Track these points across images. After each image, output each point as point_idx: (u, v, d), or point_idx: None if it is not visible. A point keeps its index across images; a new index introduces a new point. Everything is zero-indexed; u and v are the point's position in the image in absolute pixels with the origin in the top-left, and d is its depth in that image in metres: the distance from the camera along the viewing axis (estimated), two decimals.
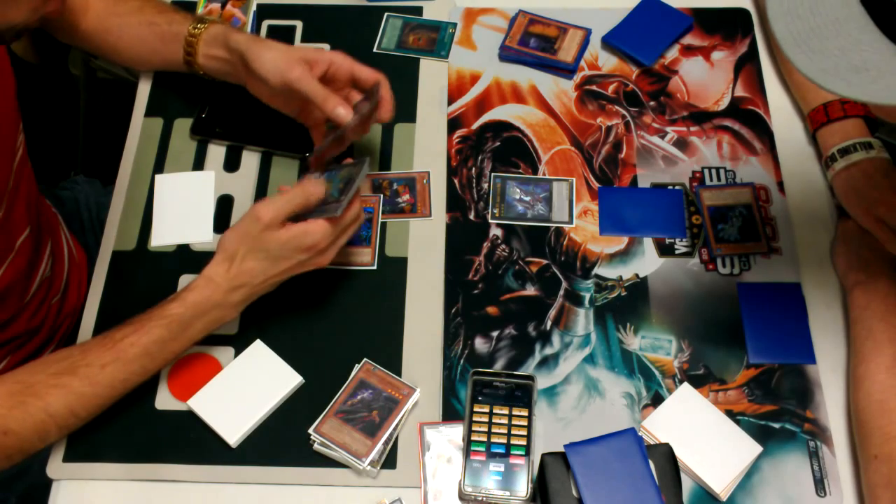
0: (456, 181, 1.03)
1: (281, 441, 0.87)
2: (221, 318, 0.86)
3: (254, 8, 1.14)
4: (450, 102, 1.09)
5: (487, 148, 1.05)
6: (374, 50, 1.13)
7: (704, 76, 1.10)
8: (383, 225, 0.99)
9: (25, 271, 0.96)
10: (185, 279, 0.96)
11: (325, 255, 0.86)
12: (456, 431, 0.86)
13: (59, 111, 1.86)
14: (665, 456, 0.81)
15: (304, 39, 1.15)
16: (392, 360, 0.91)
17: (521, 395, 0.86)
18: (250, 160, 1.05)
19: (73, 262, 1.09)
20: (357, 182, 0.84)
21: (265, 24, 1.16)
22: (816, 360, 0.90)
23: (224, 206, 1.02)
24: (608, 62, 1.12)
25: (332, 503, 0.84)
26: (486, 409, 0.86)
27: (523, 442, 0.84)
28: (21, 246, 0.94)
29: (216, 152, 1.05)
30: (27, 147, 0.97)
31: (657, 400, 0.88)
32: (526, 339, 0.92)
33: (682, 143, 1.05)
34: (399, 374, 0.90)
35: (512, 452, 0.84)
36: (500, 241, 0.99)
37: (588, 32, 1.12)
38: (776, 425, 0.87)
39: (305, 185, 0.84)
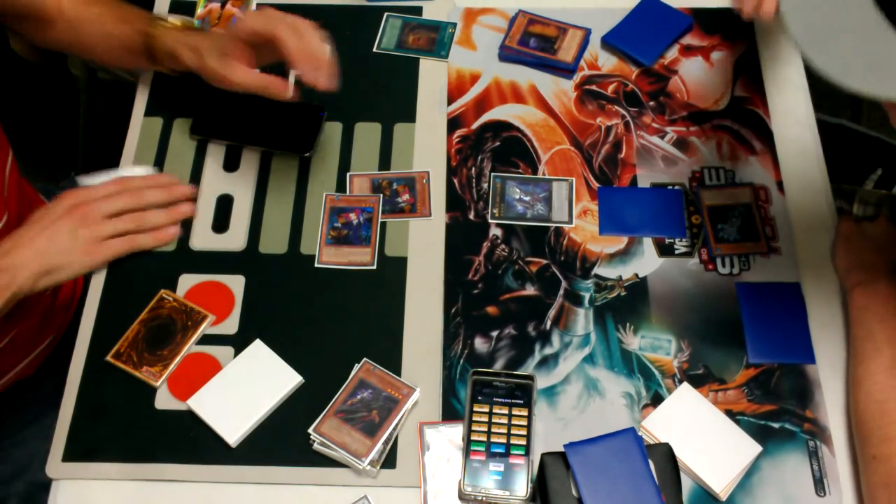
0: (456, 181, 1.03)
1: (280, 441, 0.87)
2: None
3: (253, 7, 1.14)
4: (449, 102, 1.09)
5: (487, 148, 1.05)
6: (374, 50, 1.13)
7: (704, 76, 1.10)
8: (383, 225, 0.99)
9: None
10: (185, 278, 0.96)
11: None
12: (456, 431, 0.86)
13: (59, 111, 1.86)
14: (665, 456, 0.81)
15: None
16: (392, 360, 0.91)
17: (520, 395, 0.86)
18: (250, 160, 1.05)
19: None
20: None
21: None
22: (816, 360, 0.90)
23: (224, 206, 1.02)
24: (608, 62, 1.12)
25: (332, 503, 0.84)
26: (486, 409, 0.86)
27: (523, 442, 0.84)
28: None
29: (216, 152, 1.05)
30: (21, 142, 0.95)
31: (657, 400, 0.88)
32: (526, 339, 0.92)
33: (681, 143, 1.05)
34: (399, 373, 0.90)
35: (512, 452, 0.84)
36: (499, 241, 0.99)
37: (588, 32, 1.12)
38: (776, 425, 0.87)
39: None
